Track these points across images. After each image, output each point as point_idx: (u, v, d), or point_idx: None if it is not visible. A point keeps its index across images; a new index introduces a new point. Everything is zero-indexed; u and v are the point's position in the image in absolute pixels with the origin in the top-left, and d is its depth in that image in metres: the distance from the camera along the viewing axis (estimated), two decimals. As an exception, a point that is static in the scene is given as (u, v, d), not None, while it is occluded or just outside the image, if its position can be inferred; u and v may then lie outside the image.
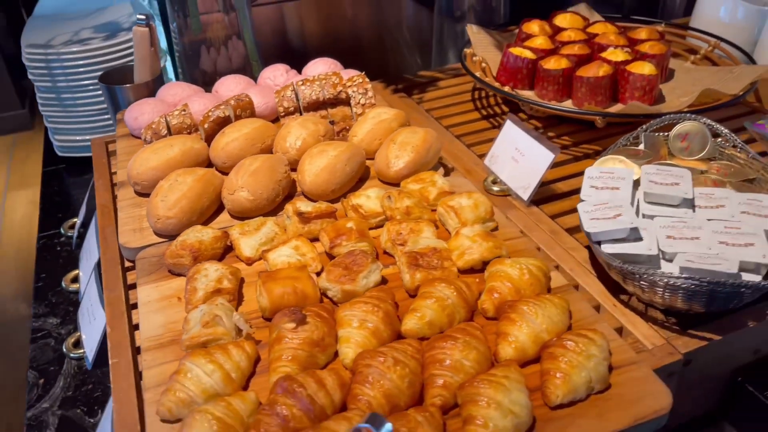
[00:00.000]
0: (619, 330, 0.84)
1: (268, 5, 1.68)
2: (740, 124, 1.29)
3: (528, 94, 1.34)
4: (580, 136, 1.29)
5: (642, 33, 1.40)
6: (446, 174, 1.18)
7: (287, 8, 1.71)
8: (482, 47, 1.44)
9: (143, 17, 1.35)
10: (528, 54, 1.33)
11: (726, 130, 1.04)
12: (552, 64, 1.29)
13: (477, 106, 1.44)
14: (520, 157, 1.09)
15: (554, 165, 1.18)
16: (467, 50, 1.45)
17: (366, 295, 0.80)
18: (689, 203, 0.91)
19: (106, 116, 1.49)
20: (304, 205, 0.97)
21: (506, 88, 1.34)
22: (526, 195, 1.07)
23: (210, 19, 1.48)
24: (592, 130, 1.28)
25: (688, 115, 1.06)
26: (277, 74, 1.40)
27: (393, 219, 0.95)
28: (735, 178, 1.00)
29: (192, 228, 0.94)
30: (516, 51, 1.34)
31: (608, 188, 0.94)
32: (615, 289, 0.89)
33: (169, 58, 1.66)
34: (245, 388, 0.73)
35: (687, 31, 1.51)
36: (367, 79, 1.28)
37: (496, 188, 1.12)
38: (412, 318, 0.77)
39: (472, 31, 1.47)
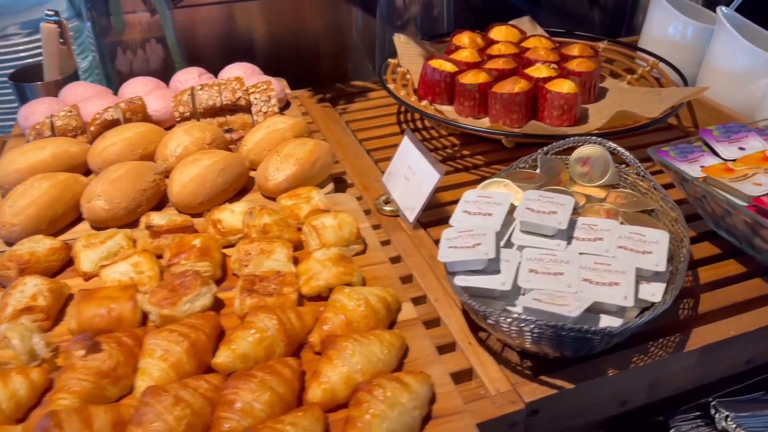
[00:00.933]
0: (470, 371, 0.76)
1: (201, 6, 1.62)
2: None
3: (447, 108, 1.27)
4: (494, 156, 1.21)
5: (574, 49, 1.32)
6: (342, 190, 1.11)
7: (223, 10, 1.65)
8: (409, 58, 1.37)
9: (51, 12, 1.30)
10: (448, 67, 1.26)
11: (630, 156, 0.95)
12: (469, 78, 1.21)
13: (400, 120, 1.37)
14: (411, 175, 1.02)
15: (461, 185, 1.12)
16: (392, 60, 1.39)
17: (179, 323, 0.72)
18: (565, 234, 0.83)
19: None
20: (158, 218, 0.90)
21: (424, 102, 1.27)
22: (411, 217, 1.00)
23: (127, 19, 1.42)
24: (508, 149, 1.21)
25: (591, 138, 0.98)
26: (188, 78, 1.33)
27: (248, 237, 0.88)
28: (632, 209, 0.92)
29: (30, 238, 0.87)
30: (435, 63, 1.27)
31: (481, 214, 0.86)
32: (476, 326, 0.81)
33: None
34: (23, 419, 0.66)
35: (628, 50, 1.43)
36: (272, 86, 1.22)
37: (388, 208, 1.05)
38: (225, 350, 0.70)
39: (400, 41, 1.40)
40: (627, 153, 0.95)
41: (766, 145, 0.93)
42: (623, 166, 0.99)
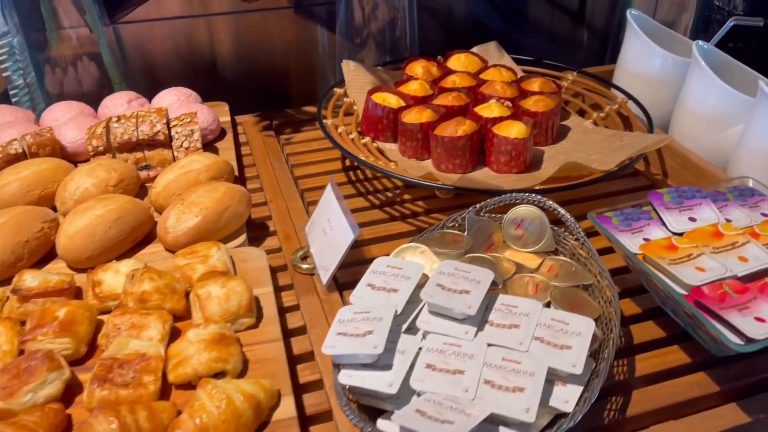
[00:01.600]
0: (352, 483, 0.66)
1: (154, 21, 1.52)
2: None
3: (391, 147, 1.16)
4: (437, 203, 1.10)
5: (534, 84, 1.21)
6: (263, 239, 1.01)
7: (179, 26, 1.55)
8: (358, 87, 1.27)
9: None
10: (392, 102, 1.15)
11: (571, 219, 0.84)
12: (412, 116, 1.10)
13: (344, 155, 1.26)
14: (329, 230, 0.91)
15: (396, 237, 1.02)
16: (338, 90, 1.28)
17: (10, 421, 0.63)
18: (477, 319, 0.73)
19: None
20: (31, 278, 0.81)
21: (366, 140, 1.16)
22: (324, 278, 0.89)
23: (62, 35, 1.33)
24: (452, 198, 1.10)
25: (527, 196, 0.87)
26: (117, 104, 1.24)
27: (123, 306, 0.78)
28: (566, 282, 0.81)
29: None
30: (378, 97, 1.16)
31: (385, 290, 0.76)
32: (369, 423, 0.71)
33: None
34: None
35: (598, 83, 1.31)
36: (195, 119, 1.12)
37: (305, 266, 0.94)
38: (54, 458, 0.60)
39: (348, 67, 1.29)
40: (567, 215, 0.84)
41: (720, 216, 0.81)
42: (563, 229, 0.88)
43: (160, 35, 1.51)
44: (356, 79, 1.28)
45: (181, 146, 1.09)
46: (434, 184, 0.99)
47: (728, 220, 0.82)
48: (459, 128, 1.05)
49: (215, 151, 1.19)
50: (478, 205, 0.90)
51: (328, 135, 1.10)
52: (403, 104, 1.15)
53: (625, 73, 1.36)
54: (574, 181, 1.00)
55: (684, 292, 0.71)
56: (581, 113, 1.27)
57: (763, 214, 0.84)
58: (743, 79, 1.18)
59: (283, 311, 0.87)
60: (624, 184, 1.15)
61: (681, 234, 0.80)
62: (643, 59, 1.31)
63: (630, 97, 1.22)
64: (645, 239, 0.80)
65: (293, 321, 0.86)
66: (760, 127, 1.03)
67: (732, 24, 1.25)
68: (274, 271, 0.94)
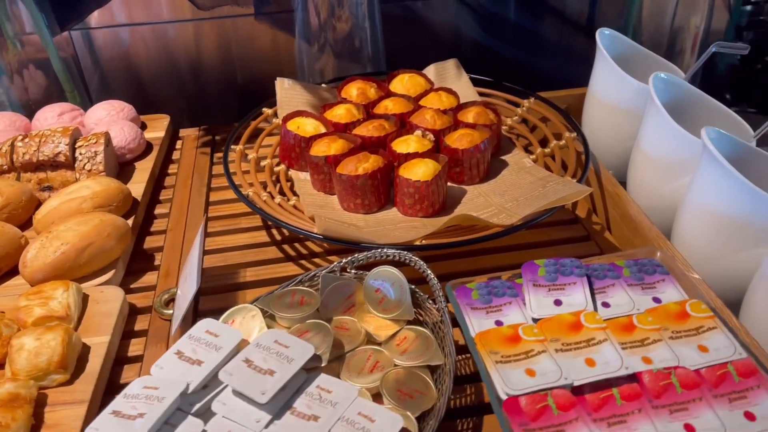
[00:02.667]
0: None
1: (115, 28, 1.50)
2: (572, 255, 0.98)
3: (305, 176, 1.09)
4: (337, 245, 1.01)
5: (470, 113, 1.09)
6: (146, 271, 0.96)
7: (143, 33, 1.52)
8: (292, 107, 1.19)
9: None
10: (307, 129, 1.07)
11: (437, 285, 0.75)
12: (320, 148, 1.02)
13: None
14: (189, 275, 0.85)
15: (279, 281, 0.95)
16: (267, 110, 1.21)
17: None
18: (276, 405, 0.65)
19: None
20: None
21: (281, 167, 1.09)
22: (174, 326, 0.84)
23: (8, 43, 1.32)
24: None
25: (398, 252, 0.78)
26: (48, 116, 1.22)
27: (-63, 352, 0.75)
28: (411, 362, 0.72)
29: None
30: (292, 124, 1.08)
31: (191, 361, 0.69)
32: None
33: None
34: None
35: (552, 112, 1.18)
36: (102, 141, 1.08)
37: (167, 311, 0.89)
38: None
39: (282, 86, 1.22)
40: (432, 278, 0.75)
41: (589, 302, 0.69)
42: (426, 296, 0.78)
43: (119, 42, 1.48)
44: (291, 98, 1.21)
45: (83, 168, 1.06)
46: (299, 230, 0.91)
47: (605, 305, 0.70)
48: (360, 165, 0.97)
49: (132, 170, 1.15)
50: (343, 261, 0.81)
51: (225, 164, 1.04)
52: (321, 131, 1.07)
53: (593, 101, 1.22)
54: (480, 230, 0.89)
55: (506, 397, 0.60)
56: (529, 147, 1.15)
57: (656, 299, 0.71)
58: (712, 117, 1.03)
59: (122, 362, 0.82)
60: (558, 233, 1.03)
61: (536, 321, 0.68)
62: (608, 85, 1.17)
63: (578, 131, 1.09)
64: (497, 322, 0.69)
65: (129, 375, 0.80)
66: (703, 182, 0.88)
67: (713, 50, 1.08)
68: (138, 312, 0.89)
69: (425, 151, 1.00)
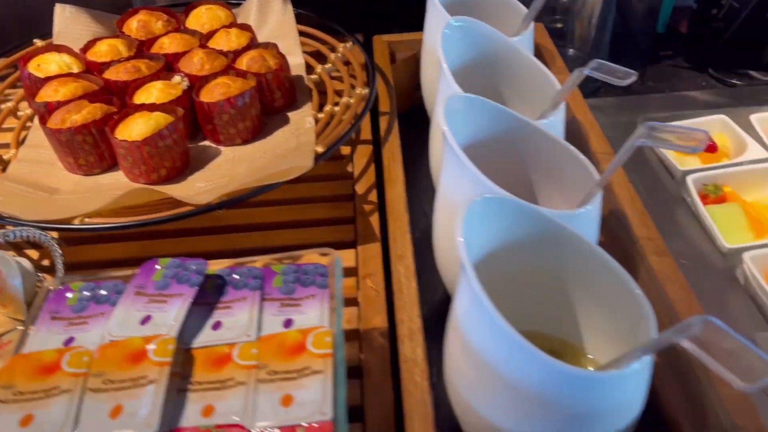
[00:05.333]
0: None
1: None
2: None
3: (54, 124, 0.93)
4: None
5: (245, 58, 0.90)
6: None
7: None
8: (72, 39, 1.02)
9: None
10: (47, 69, 0.91)
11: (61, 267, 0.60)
12: (48, 91, 0.86)
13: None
14: None
15: None
16: (39, 42, 1.05)
17: None
18: None
19: None
20: None
21: (27, 111, 0.94)
22: None
23: None
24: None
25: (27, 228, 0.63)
26: None
27: None
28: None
29: None
30: (37, 61, 0.92)
31: None
32: None
33: None
34: None
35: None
36: None
37: None
38: None
39: (63, 13, 1.04)
40: (60, 272, 0.60)
41: (176, 324, 0.53)
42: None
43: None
44: (69, 30, 1.04)
45: None
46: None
47: (216, 326, 0.54)
48: (69, 117, 0.80)
49: None
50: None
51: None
52: (59, 73, 0.90)
53: (426, 52, 1.01)
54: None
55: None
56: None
57: (287, 323, 0.54)
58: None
59: None
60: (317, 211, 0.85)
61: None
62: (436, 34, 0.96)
63: (371, 80, 0.90)
64: (69, 339, 0.54)
65: None
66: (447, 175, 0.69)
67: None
68: None
69: (162, 103, 0.83)
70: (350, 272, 0.74)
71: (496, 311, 0.46)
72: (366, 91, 0.88)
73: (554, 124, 0.70)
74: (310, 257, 0.60)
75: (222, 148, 0.87)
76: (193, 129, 0.88)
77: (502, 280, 0.56)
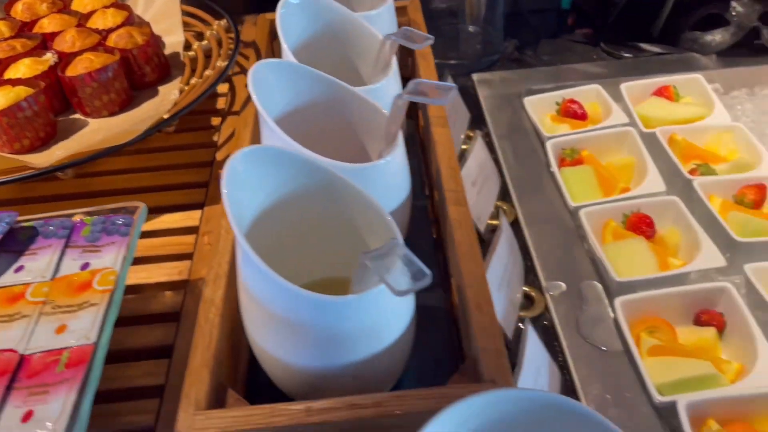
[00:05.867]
0: None
1: None
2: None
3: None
4: None
5: (114, 35, 0.96)
6: None
7: None
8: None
9: None
10: None
11: None
12: None
13: None
14: None
15: None
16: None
17: None
18: None
19: None
20: None
21: None
22: None
23: None
24: None
25: None
26: None
27: None
28: None
29: None
30: None
31: None
32: None
33: None
34: None
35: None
36: None
37: None
38: None
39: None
40: None
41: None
42: None
43: None
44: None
45: None
46: None
47: (19, 270, 0.60)
48: (-67, 90, 0.86)
49: None
50: None
51: None
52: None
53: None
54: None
55: None
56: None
57: (84, 266, 0.60)
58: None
59: None
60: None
61: None
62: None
63: (231, 57, 0.95)
64: None
65: None
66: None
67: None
68: None
69: (27, 78, 0.88)
70: (194, 230, 0.80)
71: (251, 249, 0.50)
72: (225, 63, 0.93)
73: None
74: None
75: (90, 119, 0.92)
76: (65, 103, 0.93)
77: (292, 230, 0.62)
